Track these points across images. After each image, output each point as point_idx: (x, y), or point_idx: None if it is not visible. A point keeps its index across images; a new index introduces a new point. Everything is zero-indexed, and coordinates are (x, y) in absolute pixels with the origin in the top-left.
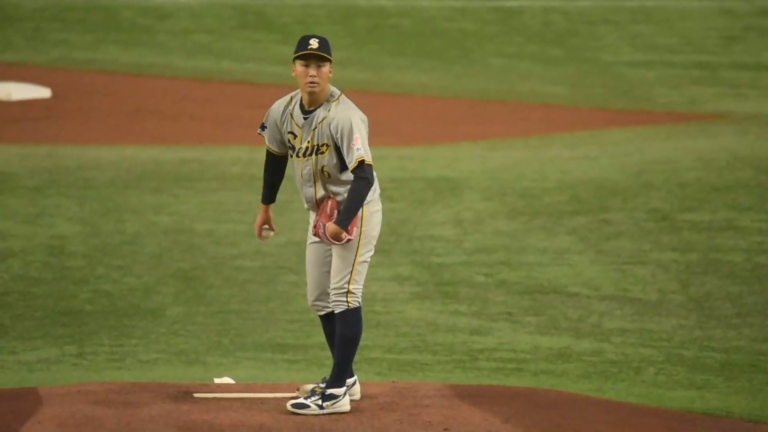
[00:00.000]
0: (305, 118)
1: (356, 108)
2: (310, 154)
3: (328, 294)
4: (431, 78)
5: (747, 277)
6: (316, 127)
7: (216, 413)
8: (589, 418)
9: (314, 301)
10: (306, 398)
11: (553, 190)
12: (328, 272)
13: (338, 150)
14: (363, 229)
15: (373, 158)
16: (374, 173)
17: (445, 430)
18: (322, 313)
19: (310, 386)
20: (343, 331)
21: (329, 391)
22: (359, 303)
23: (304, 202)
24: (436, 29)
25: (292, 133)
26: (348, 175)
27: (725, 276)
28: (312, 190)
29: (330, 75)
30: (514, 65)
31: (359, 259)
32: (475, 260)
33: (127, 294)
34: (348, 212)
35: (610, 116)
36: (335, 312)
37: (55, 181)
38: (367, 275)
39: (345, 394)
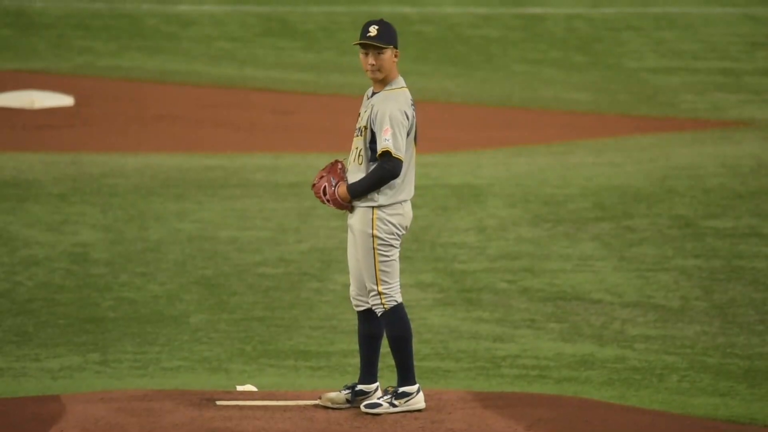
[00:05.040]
0: (368, 99)
1: (402, 101)
2: (358, 135)
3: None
4: (455, 84)
5: None
6: (368, 110)
7: (239, 421)
8: (612, 425)
9: (355, 295)
10: (379, 398)
11: (576, 196)
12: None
13: (373, 136)
14: (374, 232)
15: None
16: (402, 171)
17: None
18: (360, 309)
19: (332, 394)
20: (389, 333)
21: (401, 389)
22: (396, 301)
23: None
24: (459, 36)
25: (359, 113)
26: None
27: (748, 283)
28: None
29: (395, 59)
30: (537, 71)
31: (379, 259)
32: (498, 267)
33: (151, 301)
34: (362, 186)
35: (634, 122)
36: (378, 315)
37: (78, 189)
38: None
39: (418, 390)
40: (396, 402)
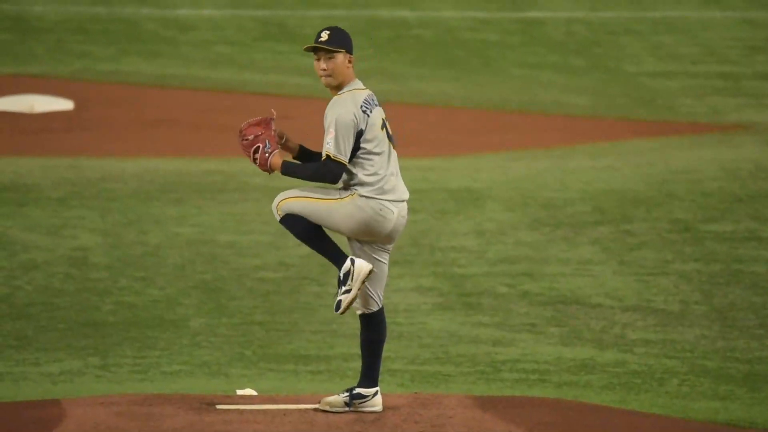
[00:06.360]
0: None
1: (349, 103)
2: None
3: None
4: (453, 88)
5: None
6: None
7: (239, 425)
8: (612, 429)
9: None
10: (339, 291)
11: (575, 200)
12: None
13: None
14: (335, 201)
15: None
16: (381, 169)
17: None
18: (359, 312)
19: (331, 398)
20: (297, 237)
21: (341, 274)
22: (289, 212)
23: None
24: (457, 39)
25: None
26: (350, 166)
27: (748, 286)
28: None
29: (349, 64)
30: (536, 75)
31: (309, 201)
32: (498, 271)
33: (150, 305)
34: (299, 173)
35: (633, 126)
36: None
37: (77, 193)
38: (389, 286)
39: (353, 263)
40: (346, 288)
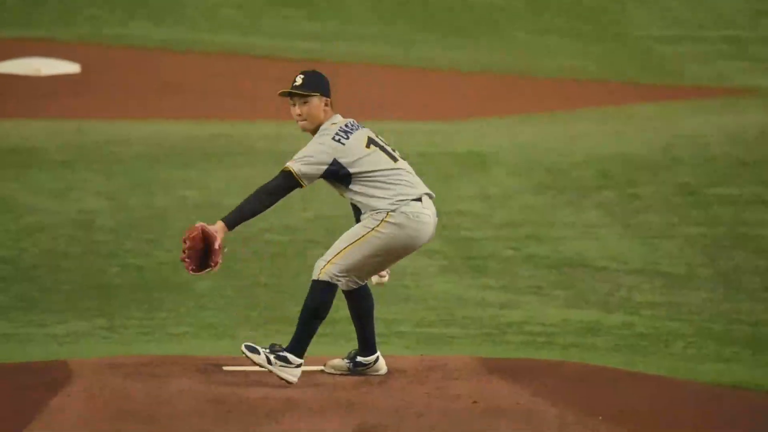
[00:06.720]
0: None
1: (327, 136)
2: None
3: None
4: (460, 53)
5: None
6: None
7: (245, 387)
8: (618, 391)
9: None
10: (265, 348)
11: (580, 164)
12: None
13: (327, 174)
14: (373, 233)
15: (399, 134)
16: (381, 179)
17: (474, 402)
18: (343, 289)
19: (335, 361)
20: (306, 300)
21: (285, 353)
22: (330, 279)
23: None
24: (464, 4)
25: None
26: (358, 188)
27: (753, 250)
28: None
29: (325, 107)
30: (542, 40)
31: (351, 249)
32: (503, 234)
33: (156, 268)
34: (238, 207)
35: (639, 91)
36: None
37: (83, 156)
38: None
39: (298, 366)
40: (273, 360)
